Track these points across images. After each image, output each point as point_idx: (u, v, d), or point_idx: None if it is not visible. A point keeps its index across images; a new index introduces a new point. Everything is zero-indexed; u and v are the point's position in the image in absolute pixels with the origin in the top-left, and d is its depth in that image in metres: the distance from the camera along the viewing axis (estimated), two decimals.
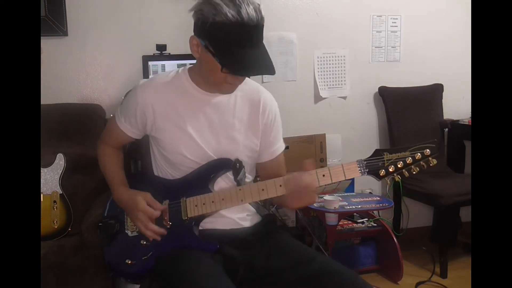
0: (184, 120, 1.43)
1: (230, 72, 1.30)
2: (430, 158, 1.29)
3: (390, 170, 1.29)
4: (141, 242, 1.43)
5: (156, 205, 1.41)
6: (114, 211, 1.53)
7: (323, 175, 1.32)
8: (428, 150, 1.29)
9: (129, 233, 1.48)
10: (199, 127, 1.43)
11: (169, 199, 1.43)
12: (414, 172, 1.30)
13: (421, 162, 1.29)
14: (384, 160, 1.30)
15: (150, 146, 1.55)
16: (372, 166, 1.30)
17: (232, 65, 1.29)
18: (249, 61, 1.29)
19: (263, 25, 1.28)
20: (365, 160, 1.30)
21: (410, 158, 1.29)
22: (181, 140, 1.43)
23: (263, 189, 1.35)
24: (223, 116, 1.45)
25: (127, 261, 1.43)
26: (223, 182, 1.46)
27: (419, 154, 1.29)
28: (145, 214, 1.39)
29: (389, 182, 1.34)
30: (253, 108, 1.48)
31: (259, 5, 1.27)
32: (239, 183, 1.42)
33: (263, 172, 1.58)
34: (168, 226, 1.40)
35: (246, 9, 1.23)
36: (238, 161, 1.44)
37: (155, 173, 1.54)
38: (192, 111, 1.43)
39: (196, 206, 1.39)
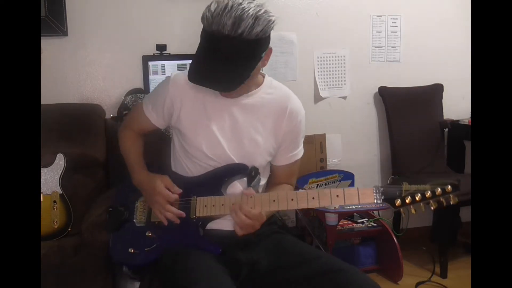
0: (209, 117, 1.44)
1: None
2: (451, 195, 1.22)
3: (407, 201, 1.24)
4: (147, 233, 1.45)
5: (173, 188, 1.44)
6: (124, 199, 1.56)
7: (337, 196, 1.29)
8: (450, 186, 1.22)
9: (136, 223, 1.50)
10: (223, 126, 1.45)
11: (180, 195, 1.45)
12: (432, 208, 1.23)
13: (441, 198, 1.23)
14: (402, 190, 1.25)
15: (172, 139, 1.58)
16: (388, 194, 1.26)
17: (190, 68, 1.33)
18: (199, 70, 1.30)
19: (238, 39, 1.24)
20: (382, 187, 1.27)
21: (429, 192, 1.23)
22: (203, 136, 1.44)
23: (274, 200, 1.35)
24: (248, 118, 1.45)
25: (130, 249, 1.46)
26: (238, 185, 1.47)
27: (439, 189, 1.23)
28: (163, 197, 1.42)
29: (404, 214, 1.27)
30: (279, 114, 1.48)
31: (254, 20, 1.24)
32: (252, 189, 1.42)
33: (274, 175, 1.58)
34: (176, 222, 1.42)
35: (222, 20, 1.22)
36: (254, 168, 1.45)
37: (173, 168, 1.57)
38: (218, 110, 1.44)
39: (205, 206, 1.40)
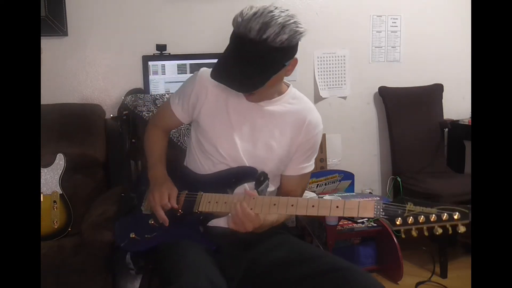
0: (229, 117, 1.47)
1: None
2: (459, 224, 1.15)
3: (409, 221, 1.18)
4: (150, 221, 1.50)
5: (172, 200, 1.46)
6: (142, 186, 1.62)
7: (337, 207, 1.29)
8: (458, 213, 1.15)
9: (143, 210, 1.56)
10: (241, 127, 1.47)
11: (188, 190, 1.49)
12: (437, 233, 1.17)
13: (447, 225, 1.16)
14: (405, 209, 1.20)
15: (190, 135, 1.62)
16: (389, 211, 1.22)
17: (213, 66, 1.36)
18: (221, 68, 1.33)
19: (263, 44, 1.26)
20: (384, 203, 1.24)
21: (434, 216, 1.17)
22: (220, 133, 1.48)
23: (274, 204, 1.36)
24: (266, 123, 1.48)
25: (131, 234, 1.50)
26: (247, 188, 1.47)
27: (446, 215, 1.16)
28: (159, 197, 1.45)
29: (404, 236, 1.19)
30: (298, 125, 1.49)
31: (280, 28, 1.26)
32: (259, 194, 1.43)
33: (282, 185, 1.58)
34: (179, 214, 1.46)
35: (250, 24, 1.26)
36: (263, 173, 1.47)
37: (184, 163, 1.62)
38: (239, 111, 1.47)
39: (209, 202, 1.43)
